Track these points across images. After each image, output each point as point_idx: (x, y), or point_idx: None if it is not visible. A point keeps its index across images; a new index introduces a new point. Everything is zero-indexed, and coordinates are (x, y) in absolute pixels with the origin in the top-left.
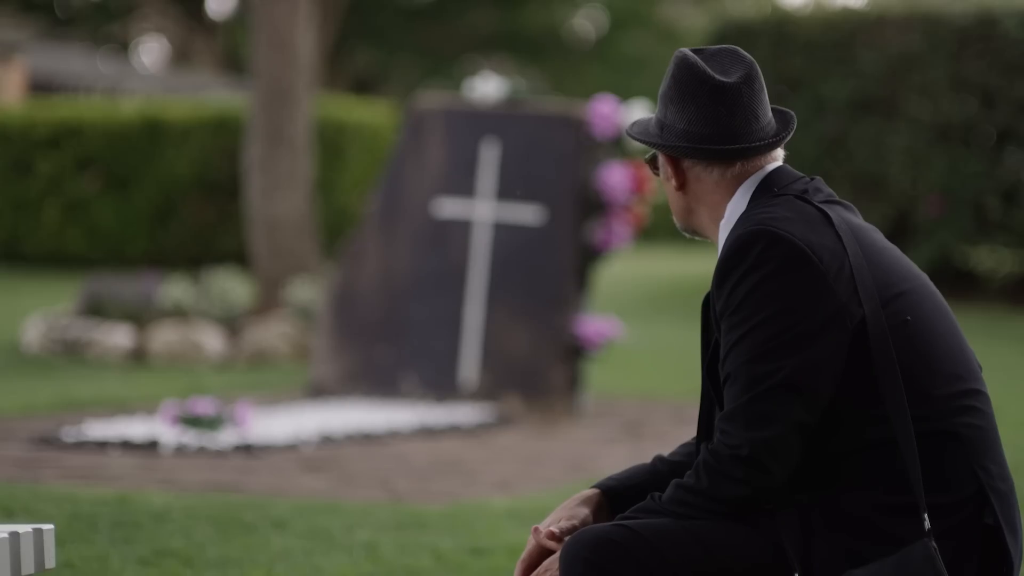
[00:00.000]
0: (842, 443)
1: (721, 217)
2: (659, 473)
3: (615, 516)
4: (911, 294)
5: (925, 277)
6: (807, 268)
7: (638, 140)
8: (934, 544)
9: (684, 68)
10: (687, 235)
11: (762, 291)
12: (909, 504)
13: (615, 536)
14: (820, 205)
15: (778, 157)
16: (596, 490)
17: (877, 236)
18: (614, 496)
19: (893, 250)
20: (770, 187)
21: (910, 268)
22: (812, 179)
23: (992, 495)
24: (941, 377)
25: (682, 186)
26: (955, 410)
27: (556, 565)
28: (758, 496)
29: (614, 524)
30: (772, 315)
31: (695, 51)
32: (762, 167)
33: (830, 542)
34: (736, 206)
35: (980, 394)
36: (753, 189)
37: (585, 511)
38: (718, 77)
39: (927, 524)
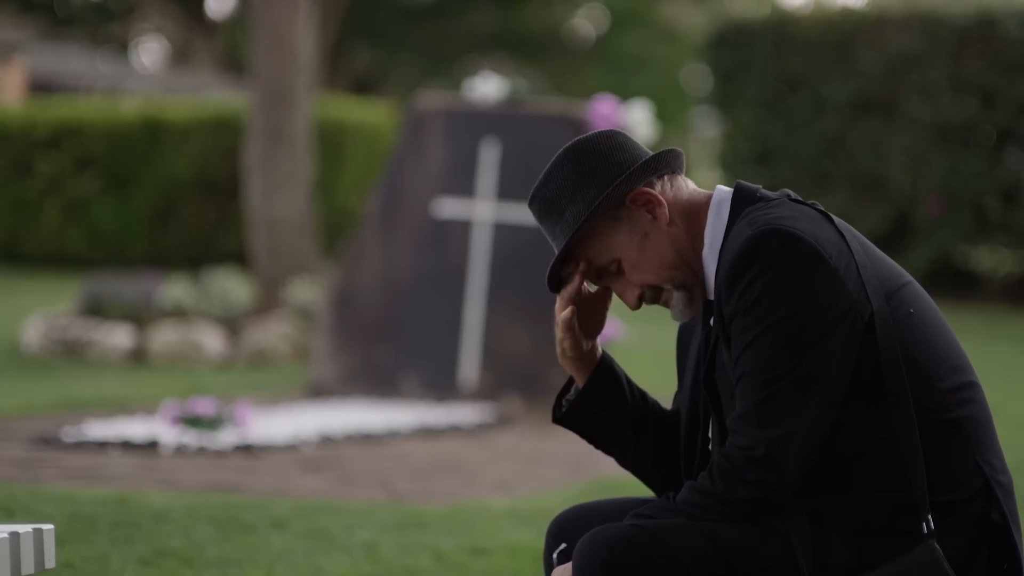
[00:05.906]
0: (849, 443)
1: (703, 247)
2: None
3: (591, 379)
4: (910, 287)
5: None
6: (820, 265)
7: (586, 221)
8: (938, 546)
9: (559, 177)
10: (679, 319)
11: (776, 289)
12: (919, 502)
13: (632, 537)
14: (813, 205)
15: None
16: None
17: (860, 235)
18: (607, 369)
19: (877, 248)
20: (748, 197)
21: (897, 264)
22: (780, 190)
23: (997, 489)
24: (945, 369)
25: (670, 208)
26: (958, 403)
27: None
28: (772, 498)
29: (631, 524)
30: (787, 313)
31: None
32: (708, 191)
33: (843, 544)
34: (715, 228)
35: (977, 386)
36: (728, 207)
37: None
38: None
39: (931, 525)
